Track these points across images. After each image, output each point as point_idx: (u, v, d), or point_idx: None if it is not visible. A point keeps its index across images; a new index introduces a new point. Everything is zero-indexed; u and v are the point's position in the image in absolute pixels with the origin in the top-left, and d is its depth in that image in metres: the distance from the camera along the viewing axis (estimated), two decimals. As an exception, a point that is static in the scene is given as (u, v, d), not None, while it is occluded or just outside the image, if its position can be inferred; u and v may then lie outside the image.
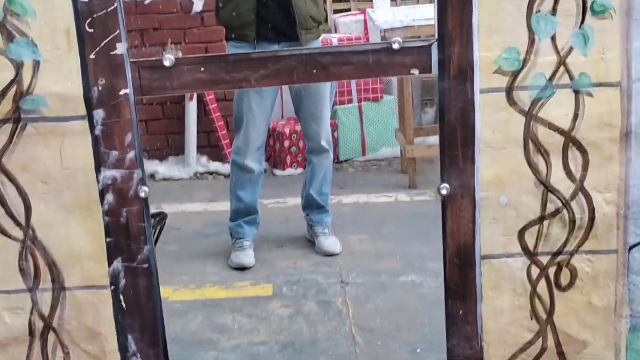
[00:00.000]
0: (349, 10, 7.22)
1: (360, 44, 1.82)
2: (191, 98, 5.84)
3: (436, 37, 1.87)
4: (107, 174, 1.92)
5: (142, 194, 1.93)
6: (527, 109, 1.92)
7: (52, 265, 1.98)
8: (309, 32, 3.76)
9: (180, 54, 5.46)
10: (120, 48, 1.85)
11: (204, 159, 6.06)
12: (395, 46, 1.86)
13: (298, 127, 5.80)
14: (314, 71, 1.88)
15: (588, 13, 1.87)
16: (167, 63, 1.86)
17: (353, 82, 6.01)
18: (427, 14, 5.20)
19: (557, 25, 1.88)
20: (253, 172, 4.01)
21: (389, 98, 6.35)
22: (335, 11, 7.25)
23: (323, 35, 3.93)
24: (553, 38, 1.89)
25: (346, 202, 5.13)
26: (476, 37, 1.87)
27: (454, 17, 1.86)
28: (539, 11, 1.87)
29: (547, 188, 1.96)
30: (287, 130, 5.93)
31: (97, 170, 1.92)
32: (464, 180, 1.95)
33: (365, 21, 6.21)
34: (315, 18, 3.77)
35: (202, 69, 1.87)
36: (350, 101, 6.20)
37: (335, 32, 6.34)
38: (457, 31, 1.87)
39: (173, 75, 1.87)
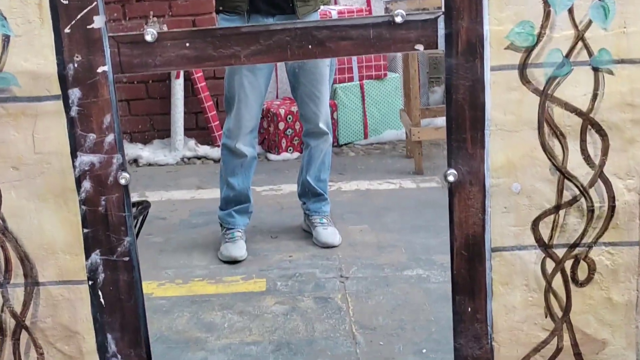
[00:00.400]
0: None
1: (359, 17, 1.81)
2: (177, 76, 5.83)
3: (443, 9, 1.87)
4: (84, 159, 1.91)
5: (123, 181, 1.92)
6: (541, 88, 1.92)
7: (24, 259, 1.98)
8: (306, 5, 3.75)
9: (165, 28, 5.44)
10: (98, 21, 1.84)
11: (192, 142, 6.06)
12: (398, 19, 1.86)
13: (294, 108, 5.80)
14: (310, 47, 1.87)
15: (609, -16, 1.86)
16: (149, 38, 1.85)
17: (354, 58, 6.01)
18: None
19: (574, -4, 1.87)
20: (245, 157, 4.01)
21: (393, 76, 6.34)
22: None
23: (322, 8, 3.92)
24: (570, 10, 1.88)
25: (346, 189, 5.14)
26: (486, 10, 1.87)
27: (463, -12, 1.85)
28: (553, -17, 1.87)
29: (564, 174, 1.96)
30: (282, 111, 5.92)
31: (73, 155, 1.91)
32: (473, 165, 1.95)
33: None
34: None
35: (188, 44, 1.87)
36: (351, 79, 6.19)
37: (336, 4, 6.34)
38: (465, 3, 1.86)
39: (156, 51, 1.87)
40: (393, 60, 6.44)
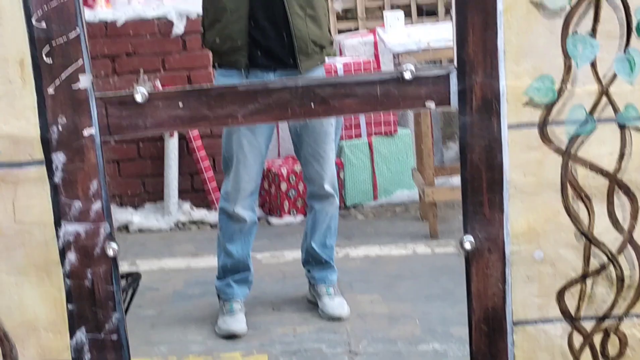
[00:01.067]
0: (356, 29, 7.27)
1: (365, 74, 1.83)
2: (172, 134, 5.87)
3: (455, 64, 1.88)
4: (69, 228, 1.91)
5: (111, 252, 1.92)
6: (564, 147, 1.92)
7: (3, 338, 1.96)
8: (310, 59, 3.78)
9: (158, 84, 5.49)
10: (84, 81, 1.86)
11: (187, 205, 6.06)
12: (407, 75, 1.87)
13: (297, 167, 5.82)
14: (312, 105, 1.88)
15: (633, 34, 1.88)
16: (139, 98, 1.87)
17: (362, 113, 6.04)
18: (448, 34, 5.24)
19: (598, 49, 1.89)
20: (245, 222, 4.01)
21: (404, 132, 6.37)
22: (341, 31, 7.29)
23: (327, 60, 3.95)
24: (593, 64, 1.90)
25: (354, 255, 5.12)
26: (502, 64, 1.88)
27: (476, 41, 1.87)
28: (575, 32, 1.88)
29: (590, 240, 1.95)
30: (284, 171, 5.94)
31: (57, 225, 1.91)
32: (491, 231, 1.94)
33: (375, 43, 6.25)
34: (317, 42, 3.78)
35: (181, 104, 1.88)
36: (358, 135, 6.21)
37: (341, 55, 6.39)
38: (479, 57, 1.87)
39: (146, 112, 1.88)
40: (404, 115, 6.46)
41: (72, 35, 1.83)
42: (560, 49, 1.88)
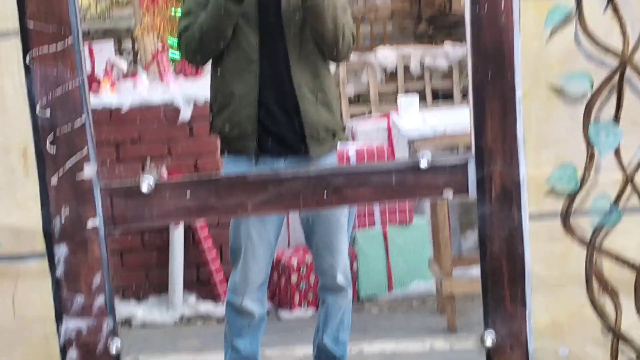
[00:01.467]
0: (369, 113, 7.33)
1: (379, 163, 1.85)
2: (177, 223, 5.88)
3: (473, 152, 1.90)
4: (71, 324, 1.91)
5: (114, 350, 1.92)
6: (588, 238, 1.93)
7: None
8: (321, 145, 3.79)
9: (164, 171, 5.53)
10: (89, 170, 1.88)
11: (192, 298, 6.04)
12: (423, 164, 1.89)
13: (309, 258, 5.81)
14: (325, 195, 1.90)
15: (658, 121, 1.90)
16: (145, 189, 1.88)
17: (376, 201, 6.05)
18: (465, 118, 5.28)
19: (621, 137, 1.91)
20: (253, 316, 3.99)
21: (420, 221, 6.37)
22: (353, 115, 7.36)
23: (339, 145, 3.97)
24: (617, 152, 1.91)
25: (369, 351, 5.08)
26: (522, 152, 1.90)
27: (494, 128, 1.89)
28: (597, 119, 1.90)
29: (617, 336, 1.94)
30: (294, 262, 5.93)
31: (58, 320, 1.92)
32: (513, 326, 1.94)
33: (389, 128, 6.30)
34: (329, 128, 3.79)
35: (188, 194, 1.90)
36: (372, 224, 6.21)
37: (353, 140, 6.43)
38: (498, 145, 1.89)
39: (153, 202, 1.90)
40: (420, 203, 6.47)
41: (78, 123, 1.86)
42: (583, 136, 1.90)
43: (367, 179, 1.90)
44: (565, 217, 1.92)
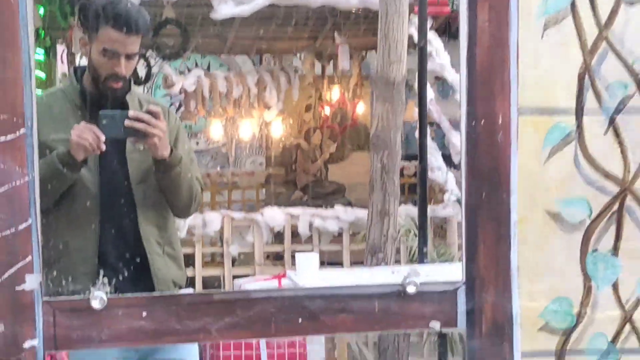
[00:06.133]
0: (254, 274, 7.21)
1: (362, 286, 1.74)
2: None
3: (463, 279, 1.80)
4: None
5: None
6: (583, 380, 1.84)
7: None
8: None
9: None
10: (31, 282, 1.70)
11: None
12: (410, 290, 1.78)
13: None
14: (300, 321, 1.76)
15: (661, 254, 1.85)
16: (96, 304, 1.71)
17: (264, 351, 5.82)
18: (362, 279, 5.19)
19: (620, 270, 1.85)
20: None
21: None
22: (235, 277, 7.22)
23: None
24: (615, 286, 1.85)
25: None
26: (516, 282, 1.81)
27: (487, 254, 1.81)
28: (595, 250, 1.84)
29: None
30: None
31: None
32: None
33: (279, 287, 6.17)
34: (176, 283, 3.55)
35: (144, 313, 1.73)
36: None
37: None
38: (491, 273, 1.81)
39: (103, 322, 1.72)
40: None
41: (22, 226, 1.70)
42: (580, 267, 1.83)
43: (348, 304, 1.78)
44: (560, 356, 1.83)
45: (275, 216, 7.51)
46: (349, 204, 8.64)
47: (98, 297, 1.72)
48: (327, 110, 10.79)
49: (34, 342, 1.71)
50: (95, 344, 1.73)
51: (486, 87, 1.80)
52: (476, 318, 1.81)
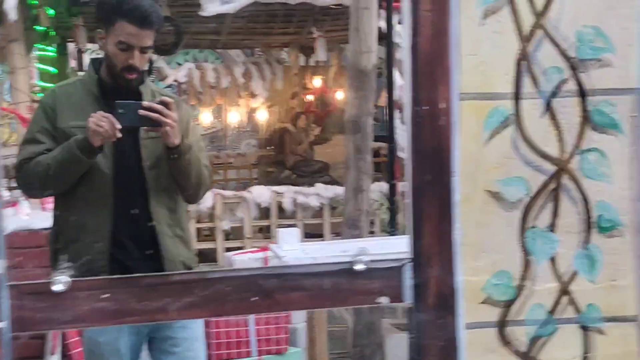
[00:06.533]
0: (243, 247, 7.12)
1: (314, 264, 1.63)
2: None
3: (410, 255, 1.69)
4: None
5: None
6: (524, 349, 1.74)
7: None
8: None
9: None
10: (-4, 267, 1.59)
11: None
12: (358, 267, 1.67)
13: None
14: (255, 299, 1.65)
15: (594, 230, 1.74)
16: (58, 288, 1.59)
17: (252, 327, 5.71)
18: (340, 251, 5.09)
19: (557, 245, 1.74)
20: None
21: (294, 350, 6.08)
22: (229, 249, 7.11)
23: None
24: (553, 260, 1.74)
25: None
26: (459, 257, 1.70)
27: (432, 232, 1.70)
28: (534, 227, 1.73)
29: None
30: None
31: None
32: None
33: (266, 259, 6.06)
34: (186, 264, 3.38)
35: (105, 295, 1.62)
36: (248, 354, 5.88)
37: (231, 272, 6.15)
38: (435, 249, 1.69)
39: (66, 303, 1.60)
40: (295, 332, 6.20)
41: (-14, 214, 1.57)
42: (519, 243, 1.72)
43: (301, 283, 1.67)
44: (502, 327, 1.73)
45: (262, 193, 7.42)
46: (334, 181, 8.57)
47: (60, 280, 1.60)
48: (310, 98, 10.70)
49: (1, 324, 1.59)
50: (59, 326, 1.62)
51: (428, 74, 1.68)
52: (422, 292, 1.70)
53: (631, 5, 1.73)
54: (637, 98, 1.74)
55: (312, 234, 7.44)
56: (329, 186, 7.50)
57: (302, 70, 10.45)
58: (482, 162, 1.72)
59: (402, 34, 1.68)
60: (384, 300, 1.69)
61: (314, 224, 7.49)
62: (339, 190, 6.97)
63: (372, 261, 1.69)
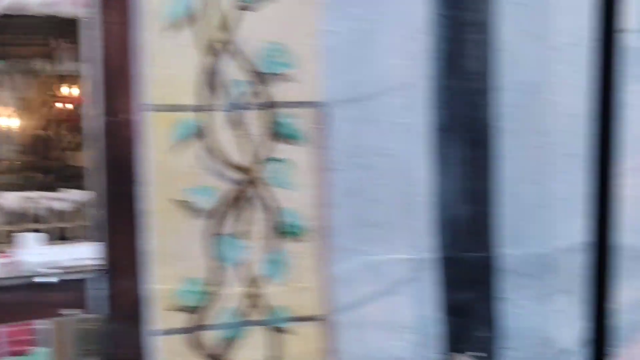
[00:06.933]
0: None
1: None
2: None
3: (99, 267, 1.50)
4: None
5: None
6: (216, 352, 1.62)
7: None
8: None
9: None
10: None
11: None
12: (40, 279, 1.46)
13: None
14: None
15: (282, 235, 1.63)
16: None
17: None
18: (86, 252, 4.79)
19: (246, 250, 1.61)
20: None
21: (41, 351, 5.65)
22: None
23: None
24: (241, 265, 1.62)
25: None
26: (149, 266, 1.53)
27: (120, 241, 1.54)
28: (223, 234, 1.61)
29: None
30: None
31: None
32: None
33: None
34: None
35: None
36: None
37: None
38: (124, 259, 1.54)
39: None
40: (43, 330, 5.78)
41: None
42: (207, 250, 1.59)
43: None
44: (192, 331, 1.58)
45: (12, 199, 6.91)
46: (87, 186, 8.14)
47: None
48: (60, 105, 10.19)
49: None
50: None
51: (114, 86, 1.54)
52: (112, 303, 1.57)
53: (312, 24, 1.62)
54: (319, 110, 1.64)
55: (66, 237, 7.03)
56: (73, 190, 7.11)
57: (52, 79, 9.92)
58: (171, 172, 1.60)
59: (90, 45, 1.48)
60: (72, 312, 1.51)
61: (65, 227, 7.07)
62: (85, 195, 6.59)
63: (62, 273, 1.49)
